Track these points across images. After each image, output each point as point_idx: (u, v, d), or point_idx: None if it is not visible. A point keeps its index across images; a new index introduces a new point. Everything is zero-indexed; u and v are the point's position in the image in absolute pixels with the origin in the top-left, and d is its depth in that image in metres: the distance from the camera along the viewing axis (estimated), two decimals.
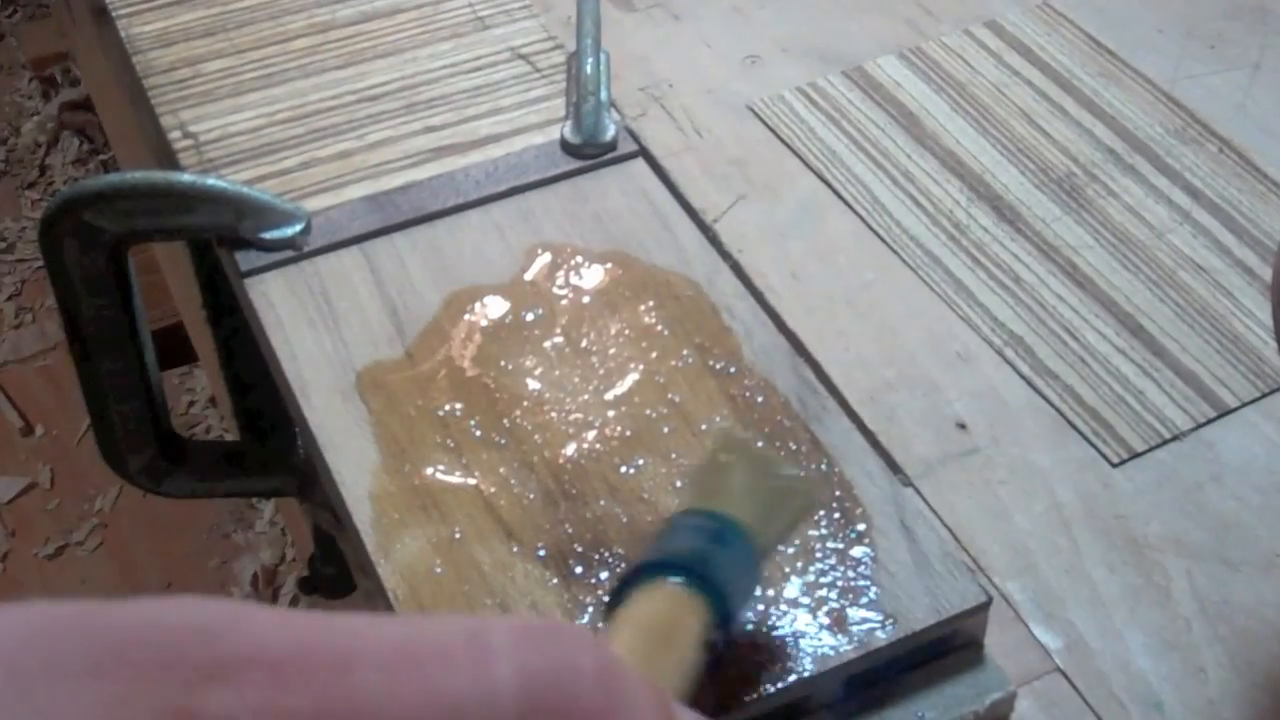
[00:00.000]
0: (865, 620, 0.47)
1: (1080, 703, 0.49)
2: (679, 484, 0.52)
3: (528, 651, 0.25)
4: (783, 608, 0.47)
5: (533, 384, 0.56)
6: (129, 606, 0.24)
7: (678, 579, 0.39)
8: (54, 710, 0.22)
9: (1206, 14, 0.77)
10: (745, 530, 0.42)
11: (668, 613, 0.38)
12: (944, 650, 0.49)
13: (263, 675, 0.23)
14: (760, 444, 0.45)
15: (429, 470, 0.53)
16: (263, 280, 0.62)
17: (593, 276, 0.61)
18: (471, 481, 0.53)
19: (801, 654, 0.46)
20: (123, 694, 0.23)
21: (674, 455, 0.53)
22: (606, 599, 0.43)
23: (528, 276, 0.61)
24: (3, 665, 0.23)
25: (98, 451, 0.71)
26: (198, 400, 1.86)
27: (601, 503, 0.52)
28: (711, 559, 0.40)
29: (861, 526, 0.50)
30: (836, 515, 0.50)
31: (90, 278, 0.64)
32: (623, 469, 0.53)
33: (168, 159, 0.69)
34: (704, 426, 0.54)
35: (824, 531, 0.50)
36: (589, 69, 0.70)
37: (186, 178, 0.61)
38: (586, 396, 0.56)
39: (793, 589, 0.48)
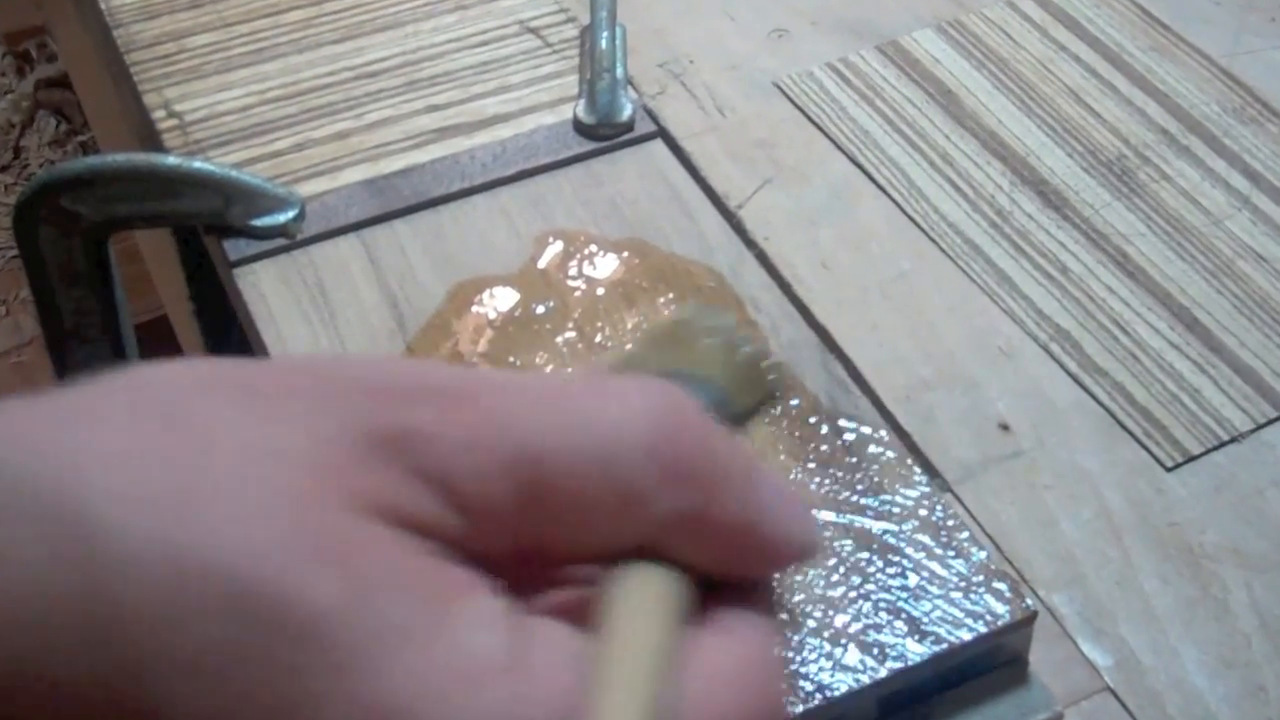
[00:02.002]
0: (900, 636, 0.47)
1: None
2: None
3: (654, 395, 0.32)
4: (811, 623, 0.47)
5: None
6: (319, 358, 0.32)
7: None
8: (281, 415, 0.29)
9: None
10: (727, 397, 0.42)
11: None
12: (985, 668, 0.49)
13: (443, 400, 0.30)
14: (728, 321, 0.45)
15: None
16: (253, 270, 0.62)
17: (608, 266, 0.61)
18: None
19: (831, 672, 0.46)
20: (337, 407, 0.30)
21: None
22: None
23: (538, 266, 0.61)
24: (228, 385, 0.30)
25: None
26: None
27: None
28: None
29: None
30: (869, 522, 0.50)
31: (68, 268, 0.64)
32: None
33: (151, 140, 0.69)
34: None
35: (855, 540, 0.50)
36: (604, 43, 0.70)
37: (171, 160, 0.61)
38: None
39: (821, 602, 0.48)
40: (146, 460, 0.28)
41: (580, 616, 0.31)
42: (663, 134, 0.69)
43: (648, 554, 0.32)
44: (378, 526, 0.28)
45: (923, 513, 0.50)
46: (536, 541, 0.31)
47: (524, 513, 0.30)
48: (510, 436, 0.30)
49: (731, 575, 0.33)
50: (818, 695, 0.45)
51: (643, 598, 0.32)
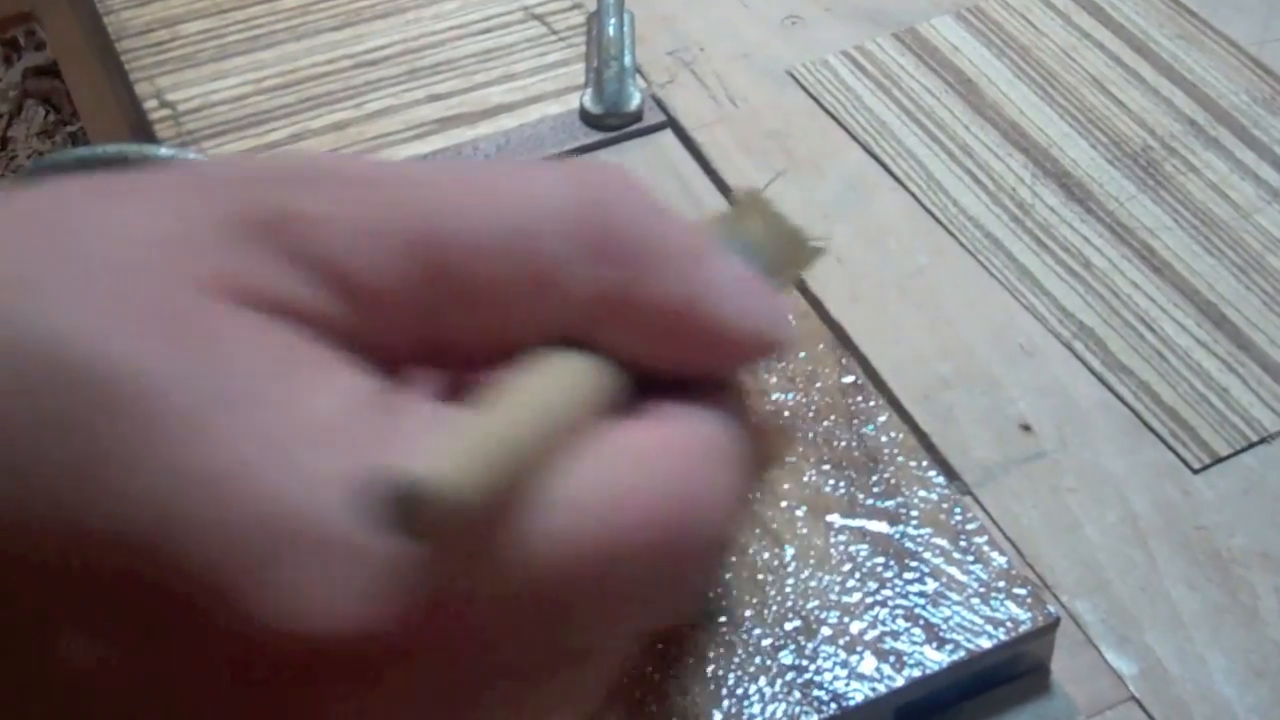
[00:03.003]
0: (917, 644, 0.47)
1: None
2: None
3: (583, 168, 0.30)
4: (826, 630, 0.47)
5: None
6: (212, 160, 0.31)
7: None
8: (146, 202, 0.28)
9: None
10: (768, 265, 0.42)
11: None
12: (1006, 677, 0.49)
13: (341, 185, 0.29)
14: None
15: None
16: None
17: None
18: None
19: (847, 681, 0.46)
20: (210, 194, 0.28)
21: None
22: None
23: None
24: (100, 183, 0.29)
25: None
26: None
27: None
28: None
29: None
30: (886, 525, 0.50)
31: None
32: None
33: (143, 131, 0.69)
34: None
35: (871, 545, 0.50)
36: (612, 31, 0.70)
37: (164, 152, 0.61)
38: None
39: (837, 609, 0.48)
40: None
41: None
42: (672, 124, 0.69)
43: (573, 346, 0.29)
44: (231, 305, 0.27)
45: (941, 516, 0.50)
46: (441, 334, 0.29)
47: (427, 299, 0.29)
48: (413, 215, 0.29)
49: (678, 368, 0.31)
50: (833, 705, 0.45)
51: (546, 376, 0.29)
